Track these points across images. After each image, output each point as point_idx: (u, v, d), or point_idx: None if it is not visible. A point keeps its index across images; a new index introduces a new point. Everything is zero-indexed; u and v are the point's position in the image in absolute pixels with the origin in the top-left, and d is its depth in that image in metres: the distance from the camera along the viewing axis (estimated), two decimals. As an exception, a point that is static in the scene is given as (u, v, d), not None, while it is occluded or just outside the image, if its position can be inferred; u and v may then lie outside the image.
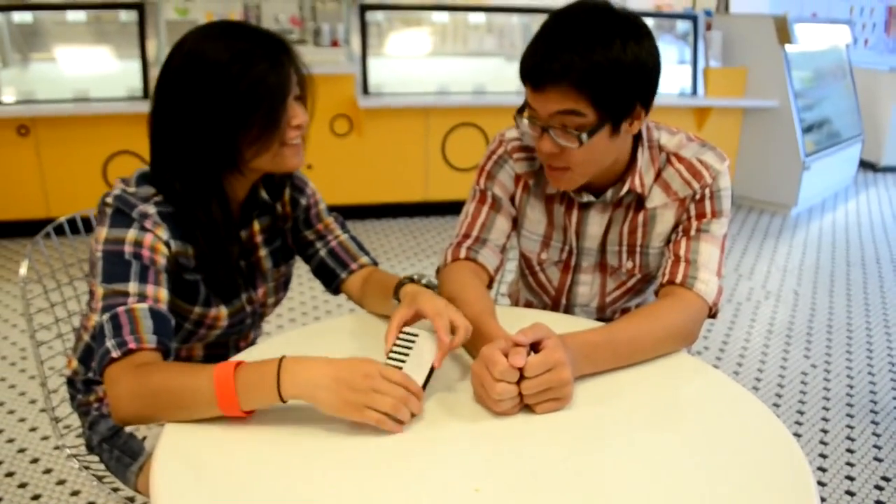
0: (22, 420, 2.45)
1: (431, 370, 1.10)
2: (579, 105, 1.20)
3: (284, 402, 0.99)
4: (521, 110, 1.30)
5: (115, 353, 1.04)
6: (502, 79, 4.61)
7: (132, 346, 1.05)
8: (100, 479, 1.41)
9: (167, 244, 1.17)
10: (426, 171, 4.55)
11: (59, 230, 1.60)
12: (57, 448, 2.26)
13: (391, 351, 1.12)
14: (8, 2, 4.11)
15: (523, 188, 1.48)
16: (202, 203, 1.20)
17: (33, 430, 2.39)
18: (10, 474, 2.18)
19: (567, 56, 1.18)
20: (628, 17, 1.23)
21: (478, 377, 1.07)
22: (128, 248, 1.13)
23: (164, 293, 1.14)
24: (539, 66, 1.21)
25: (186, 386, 1.00)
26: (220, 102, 1.13)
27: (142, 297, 1.11)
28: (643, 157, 1.38)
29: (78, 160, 3.94)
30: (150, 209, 1.17)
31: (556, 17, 1.24)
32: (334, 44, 4.58)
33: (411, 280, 1.27)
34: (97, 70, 4.09)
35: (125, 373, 1.03)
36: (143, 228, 1.15)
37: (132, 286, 1.11)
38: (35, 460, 2.24)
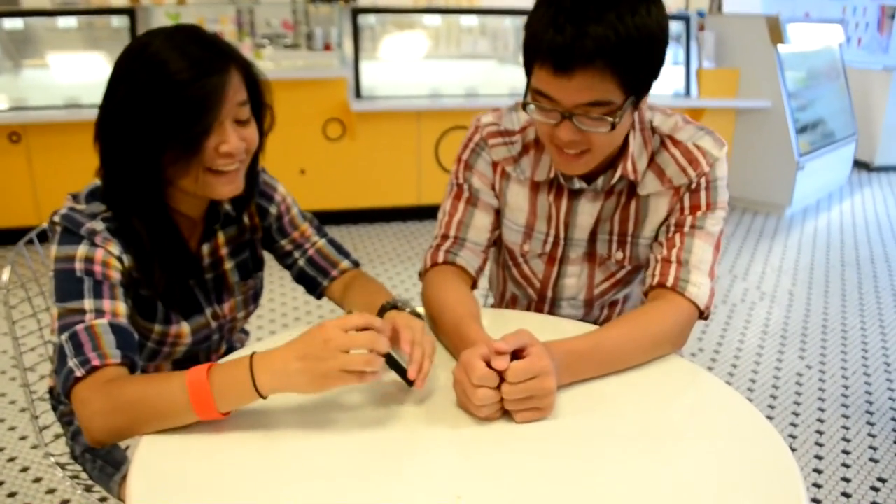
0: (12, 429, 2.43)
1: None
2: (610, 90, 1.11)
3: (264, 397, 0.97)
4: (527, 100, 1.19)
5: (78, 373, 1.00)
6: (495, 81, 4.60)
7: (96, 363, 1.01)
8: (87, 488, 1.39)
9: (119, 259, 1.13)
10: (419, 174, 4.53)
11: (43, 236, 1.58)
12: (45, 457, 2.24)
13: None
14: (-2, 8, 4.10)
15: (501, 175, 1.42)
16: (142, 218, 1.15)
17: (23, 438, 2.37)
18: (-1, 483, 2.16)
19: (599, 30, 1.06)
20: None
21: (459, 383, 1.05)
22: (78, 266, 1.09)
23: (122, 307, 1.10)
24: (567, 46, 1.07)
25: (160, 395, 0.97)
26: (141, 117, 1.07)
27: (99, 313, 1.07)
28: (635, 140, 1.31)
29: (69, 167, 3.92)
30: (99, 226, 1.12)
31: None
32: (327, 47, 4.56)
33: (394, 307, 1.21)
34: (89, 76, 4.07)
35: (94, 391, 0.99)
36: (93, 244, 1.11)
37: (87, 303, 1.07)
38: (25, 469, 2.22)
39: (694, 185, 1.31)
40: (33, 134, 3.89)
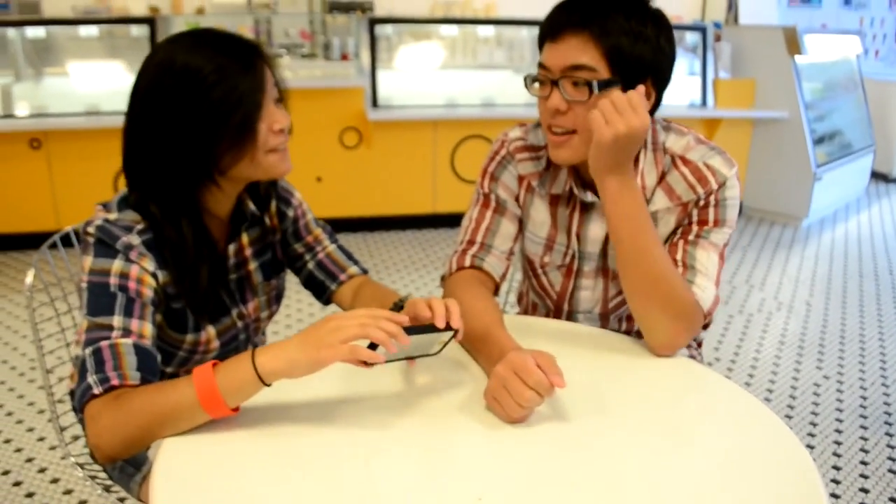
0: (30, 430, 2.45)
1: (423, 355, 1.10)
2: (593, 59, 1.22)
3: (268, 384, 0.98)
4: (532, 76, 1.30)
5: (96, 390, 1.01)
6: (511, 91, 4.61)
7: (115, 382, 1.02)
8: (106, 488, 1.41)
9: (154, 275, 1.14)
10: (434, 183, 4.55)
11: (66, 240, 1.60)
12: (64, 458, 2.26)
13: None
14: (21, 17, 4.16)
15: (527, 189, 1.46)
16: (174, 221, 1.16)
17: (41, 439, 2.39)
18: (17, 484, 2.18)
19: (590, 9, 1.23)
20: (650, 2, 1.27)
21: (503, 379, 1.04)
22: (113, 280, 1.10)
23: (149, 328, 1.11)
24: (560, 16, 1.25)
25: (168, 398, 0.98)
26: (194, 111, 1.10)
27: (126, 332, 1.07)
28: (646, 158, 1.36)
29: (88, 173, 3.97)
30: (135, 240, 1.13)
31: None
32: (344, 57, 4.60)
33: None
34: (109, 84, 4.12)
35: (106, 408, 1.00)
36: (128, 260, 1.12)
37: (116, 320, 1.08)
38: (42, 470, 2.24)
39: (702, 202, 1.34)
40: (54, 140, 3.94)
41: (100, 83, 4.16)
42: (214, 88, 1.09)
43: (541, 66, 1.28)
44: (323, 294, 1.46)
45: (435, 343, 1.10)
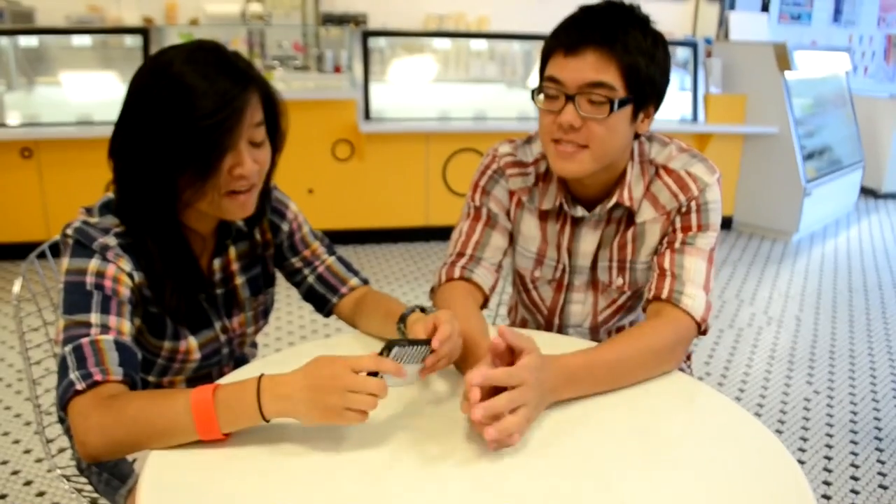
0: (16, 442, 2.42)
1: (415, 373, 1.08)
2: (613, 77, 1.22)
3: (267, 421, 0.97)
4: (538, 89, 1.29)
5: (79, 386, 1.00)
6: (503, 105, 4.63)
7: (98, 378, 1.01)
8: (93, 501, 1.39)
9: (130, 276, 1.13)
10: (427, 196, 4.55)
11: (55, 249, 1.59)
12: (50, 471, 2.24)
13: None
14: (14, 26, 4.15)
15: (517, 204, 1.46)
16: (154, 236, 1.15)
17: (27, 452, 2.37)
18: (2, 496, 2.15)
19: (610, 25, 1.22)
20: (653, 25, 1.28)
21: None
22: (89, 279, 1.09)
23: (127, 325, 1.10)
24: (578, 30, 1.23)
25: (162, 412, 0.97)
26: (159, 139, 1.06)
27: (104, 329, 1.07)
28: (632, 170, 1.37)
29: (79, 183, 3.95)
30: (111, 241, 1.12)
31: (589, 6, 1.27)
32: (337, 70, 4.61)
33: (422, 309, 1.23)
34: (101, 94, 4.11)
35: (93, 406, 0.99)
36: (105, 259, 1.11)
37: (94, 317, 1.07)
38: (28, 482, 2.22)
39: (684, 209, 1.35)
40: (45, 150, 3.92)
41: (92, 93, 4.15)
42: (180, 119, 1.05)
43: (551, 79, 1.26)
44: (324, 307, 1.44)
45: (418, 357, 1.08)
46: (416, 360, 1.07)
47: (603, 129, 1.24)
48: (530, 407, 1.01)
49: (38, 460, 2.32)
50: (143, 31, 4.09)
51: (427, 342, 1.07)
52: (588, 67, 1.22)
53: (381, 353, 1.00)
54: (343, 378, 0.95)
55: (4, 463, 2.31)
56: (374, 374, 0.97)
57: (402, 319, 1.23)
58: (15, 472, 2.26)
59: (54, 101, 4.15)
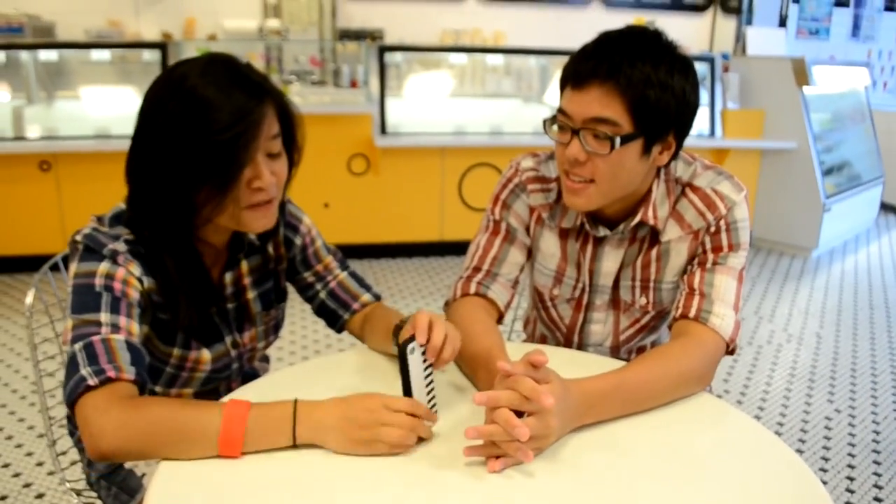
0: (29, 454, 2.42)
1: (431, 381, 1.08)
2: (617, 112, 1.19)
3: (296, 445, 0.98)
4: (551, 119, 1.27)
5: (91, 381, 0.98)
6: (519, 120, 4.62)
7: (111, 374, 0.99)
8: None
9: (139, 280, 1.12)
10: (442, 210, 4.54)
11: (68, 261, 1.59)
12: (61, 484, 2.23)
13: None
14: (34, 40, 4.20)
15: (537, 221, 1.44)
16: (169, 248, 1.14)
17: (40, 464, 2.36)
18: (14, 510, 2.14)
19: (618, 59, 1.18)
20: (678, 49, 1.24)
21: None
22: (98, 281, 1.08)
23: (136, 327, 1.09)
24: (586, 65, 1.20)
25: (189, 419, 0.96)
26: (175, 154, 1.06)
27: (115, 328, 1.05)
28: (658, 189, 1.34)
29: (97, 196, 3.96)
30: (121, 247, 1.11)
31: (606, 34, 1.24)
32: (353, 84, 4.62)
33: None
34: (119, 108, 4.14)
35: (111, 403, 0.97)
36: (115, 263, 1.10)
37: (104, 316, 1.05)
38: (40, 496, 2.21)
39: (713, 229, 1.32)
40: (63, 163, 3.95)
41: (110, 107, 4.19)
42: (197, 134, 1.04)
43: (561, 111, 1.25)
44: (336, 323, 1.43)
45: (419, 361, 1.06)
46: (423, 367, 1.07)
47: (607, 164, 1.22)
48: (545, 438, 1.01)
49: (51, 473, 2.31)
50: (162, 46, 4.13)
51: (405, 345, 1.05)
52: (593, 102, 1.20)
53: (399, 353, 1.02)
54: (378, 412, 0.98)
55: (17, 475, 2.30)
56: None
57: (396, 333, 1.22)
58: (27, 485, 2.26)
59: (73, 115, 4.19)
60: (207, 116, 1.04)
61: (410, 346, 1.04)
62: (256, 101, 1.08)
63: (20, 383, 2.91)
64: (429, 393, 1.08)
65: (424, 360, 1.07)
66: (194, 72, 1.08)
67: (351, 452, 0.98)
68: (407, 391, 1.03)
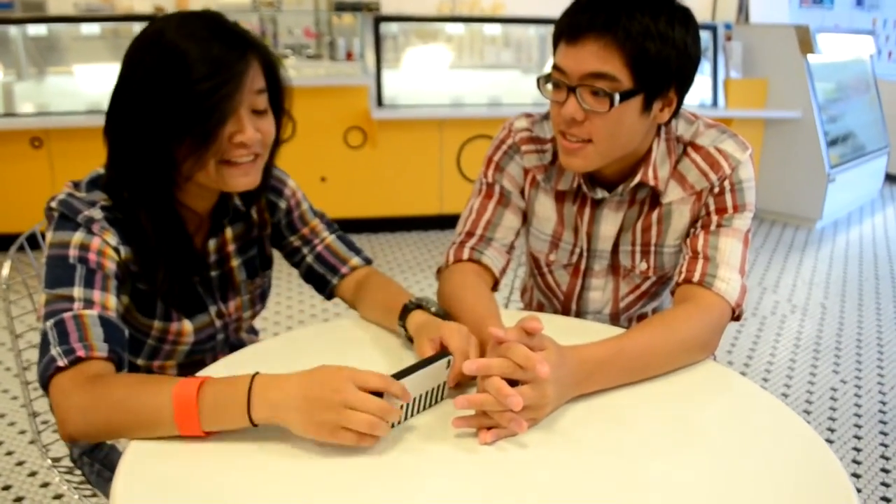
0: (22, 432, 2.38)
1: (440, 389, 1.01)
2: (615, 67, 1.12)
3: (255, 426, 0.89)
4: (545, 77, 1.20)
5: (61, 362, 0.94)
6: (518, 91, 4.55)
7: (81, 354, 0.95)
8: (94, 494, 1.33)
9: (116, 249, 1.07)
10: (440, 183, 4.48)
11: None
12: (43, 458, 2.20)
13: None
14: (24, 14, 4.12)
15: (532, 183, 1.38)
16: (148, 212, 1.09)
17: (32, 442, 2.33)
18: (6, 487, 2.11)
19: (615, 10, 1.11)
20: (677, 1, 1.16)
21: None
22: (73, 252, 1.04)
23: (112, 300, 1.04)
24: (581, 17, 1.13)
25: (144, 403, 0.91)
26: (155, 108, 1.02)
27: (88, 303, 1.01)
28: (658, 148, 1.27)
29: (90, 172, 3.91)
30: (97, 214, 1.07)
31: None
32: (349, 57, 4.54)
33: (419, 306, 1.16)
34: (111, 83, 4.06)
35: (75, 385, 0.93)
36: (89, 232, 1.05)
37: (77, 290, 1.01)
38: (33, 473, 2.18)
39: (717, 189, 1.26)
40: (55, 139, 3.89)
41: (102, 82, 4.11)
42: (176, 84, 1.00)
43: (556, 68, 1.18)
44: (325, 288, 1.37)
45: (440, 374, 1.00)
46: (435, 379, 1.00)
47: (606, 123, 1.16)
48: (541, 408, 0.96)
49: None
50: (153, 20, 4.04)
51: (443, 356, 0.99)
52: (589, 56, 1.12)
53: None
54: (343, 392, 0.86)
55: (10, 454, 2.27)
56: (378, 394, 0.89)
57: (404, 316, 1.16)
58: (20, 463, 2.22)
59: (64, 90, 4.12)
60: (185, 68, 1.00)
61: (448, 359, 0.99)
62: (238, 53, 1.04)
63: (12, 362, 2.87)
64: (423, 399, 1.00)
65: (443, 380, 1.01)
66: (171, 25, 1.05)
67: (314, 438, 0.88)
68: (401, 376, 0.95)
